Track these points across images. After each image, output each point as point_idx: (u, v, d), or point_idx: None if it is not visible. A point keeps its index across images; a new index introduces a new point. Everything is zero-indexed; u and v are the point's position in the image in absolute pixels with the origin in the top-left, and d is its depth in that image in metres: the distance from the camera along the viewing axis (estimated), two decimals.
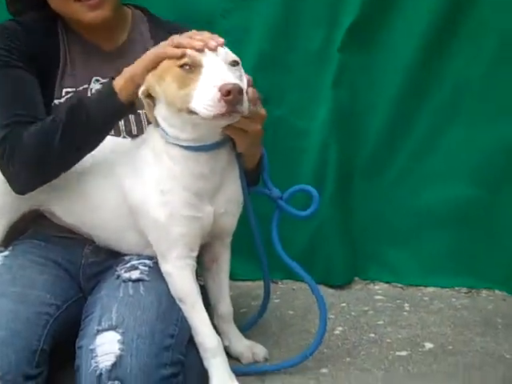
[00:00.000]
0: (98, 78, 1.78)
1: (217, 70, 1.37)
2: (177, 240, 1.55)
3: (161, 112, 1.49)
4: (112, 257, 1.70)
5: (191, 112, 1.38)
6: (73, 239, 1.74)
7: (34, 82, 1.67)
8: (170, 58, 1.44)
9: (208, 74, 1.36)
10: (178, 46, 1.44)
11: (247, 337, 1.85)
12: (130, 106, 1.53)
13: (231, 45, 2.25)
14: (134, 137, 1.73)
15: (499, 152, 2.18)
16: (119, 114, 1.55)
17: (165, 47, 1.47)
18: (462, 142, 2.22)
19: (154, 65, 1.47)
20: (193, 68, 1.38)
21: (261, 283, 2.28)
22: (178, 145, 1.50)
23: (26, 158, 1.54)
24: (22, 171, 1.56)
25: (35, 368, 1.42)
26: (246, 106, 1.36)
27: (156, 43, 1.75)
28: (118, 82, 1.50)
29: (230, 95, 1.30)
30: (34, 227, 1.80)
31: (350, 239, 2.39)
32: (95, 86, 1.77)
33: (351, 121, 2.29)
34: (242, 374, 1.66)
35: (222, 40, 1.46)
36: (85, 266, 1.74)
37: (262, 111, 1.54)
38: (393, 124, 2.27)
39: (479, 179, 2.22)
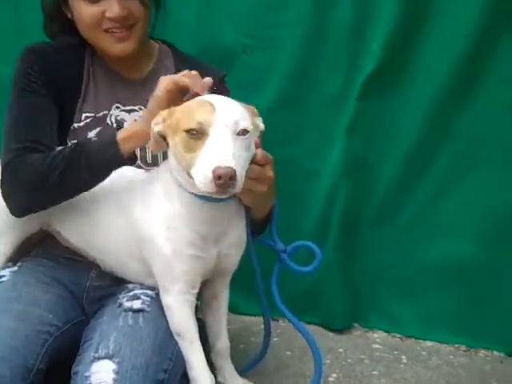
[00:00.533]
0: (118, 105, 1.83)
1: (219, 145, 1.35)
2: (179, 276, 1.57)
3: (171, 159, 1.52)
4: (116, 283, 1.72)
5: (191, 177, 1.40)
6: (80, 262, 1.77)
7: (50, 108, 1.73)
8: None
9: (209, 148, 1.35)
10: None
11: (245, 374, 1.86)
12: (130, 158, 1.58)
13: (253, 81, 2.33)
14: (148, 165, 1.77)
15: (505, 211, 2.17)
16: (117, 164, 1.59)
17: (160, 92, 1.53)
18: (470, 198, 2.22)
19: (162, 107, 1.51)
20: (199, 135, 1.37)
21: (260, 319, 2.32)
22: (188, 192, 1.52)
23: (24, 185, 1.60)
24: (18, 197, 1.63)
25: None
26: (238, 186, 1.34)
27: None
28: (122, 135, 1.56)
29: (221, 180, 1.30)
30: (43, 246, 1.83)
31: (352, 285, 2.40)
32: (115, 113, 1.82)
33: (362, 167, 2.31)
34: None
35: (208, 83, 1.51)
36: (89, 289, 1.76)
37: (270, 173, 1.54)
38: (403, 174, 2.29)
39: (483, 237, 2.21)
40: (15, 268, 1.74)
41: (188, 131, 1.38)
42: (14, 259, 1.78)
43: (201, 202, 1.52)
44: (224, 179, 1.30)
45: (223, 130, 1.37)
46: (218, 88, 1.82)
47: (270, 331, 1.88)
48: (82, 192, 1.62)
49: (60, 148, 1.64)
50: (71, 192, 1.63)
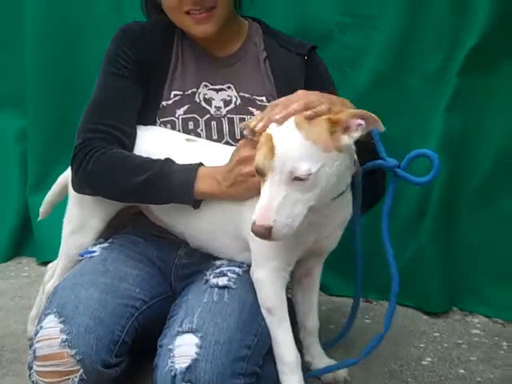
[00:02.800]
0: (206, 83, 1.82)
1: (266, 196, 1.36)
2: (278, 252, 1.55)
3: None
4: (204, 261, 1.73)
5: None
6: (169, 240, 1.79)
7: (134, 93, 1.76)
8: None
9: (261, 194, 1.38)
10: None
11: (332, 355, 1.83)
12: (198, 202, 1.62)
13: (348, 60, 2.27)
14: (237, 140, 1.76)
15: None
16: (185, 202, 1.63)
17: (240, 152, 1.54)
18: None
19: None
20: (262, 175, 1.39)
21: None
22: None
23: (91, 179, 1.68)
24: (81, 183, 1.71)
25: (115, 357, 1.47)
26: (283, 234, 1.37)
27: (269, 55, 1.85)
28: (202, 177, 1.59)
29: (256, 232, 1.36)
30: (133, 224, 1.87)
31: (451, 267, 2.29)
32: (203, 91, 1.81)
33: (462, 147, 2.21)
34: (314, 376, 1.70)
35: None
36: (177, 266, 1.78)
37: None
38: (505, 155, 2.17)
39: None
40: (106, 244, 1.78)
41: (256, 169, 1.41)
42: (105, 236, 1.83)
43: None
44: (257, 236, 1.36)
45: (277, 178, 1.36)
46: (308, 57, 1.84)
47: (357, 306, 1.85)
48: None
49: (142, 160, 1.66)
50: (127, 201, 1.74)
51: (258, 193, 1.45)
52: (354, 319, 1.86)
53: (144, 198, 1.69)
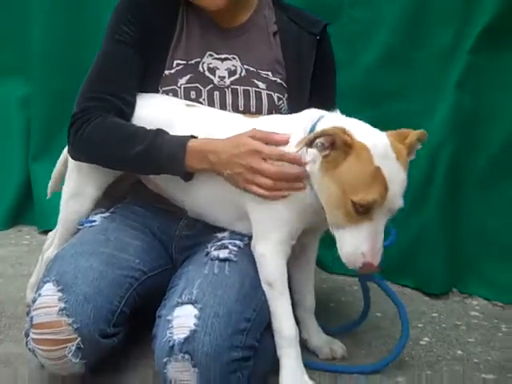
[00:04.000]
0: (211, 52, 1.79)
1: (377, 234, 1.37)
2: (283, 224, 1.54)
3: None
4: (206, 233, 1.71)
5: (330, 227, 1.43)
6: (170, 211, 1.78)
7: (136, 61, 1.74)
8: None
9: (368, 230, 1.36)
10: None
11: (331, 333, 1.83)
12: (190, 175, 1.59)
13: (358, 35, 2.24)
14: (240, 112, 1.74)
15: None
16: (177, 174, 1.60)
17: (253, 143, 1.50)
18: None
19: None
20: (364, 212, 1.35)
21: (352, 279, 2.27)
22: None
23: (88, 147, 1.67)
24: (78, 151, 1.71)
25: (113, 327, 1.48)
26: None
27: (280, 29, 1.81)
28: (193, 153, 1.55)
29: (363, 269, 1.38)
30: (135, 194, 1.86)
31: (453, 248, 2.28)
32: (208, 61, 1.78)
33: (471, 125, 2.19)
34: (314, 368, 1.65)
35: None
36: (178, 238, 1.77)
37: None
38: None
39: None
40: (107, 214, 1.77)
41: (356, 204, 1.34)
42: (106, 206, 1.82)
43: None
44: (366, 270, 1.38)
45: (385, 216, 1.38)
46: (320, 37, 1.80)
47: (369, 302, 1.88)
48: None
49: (136, 130, 1.64)
50: (122, 169, 1.72)
51: (240, 187, 1.51)
52: (367, 311, 1.89)
53: (136, 169, 1.69)
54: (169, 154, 1.57)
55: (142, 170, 1.69)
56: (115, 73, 1.72)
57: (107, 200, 1.82)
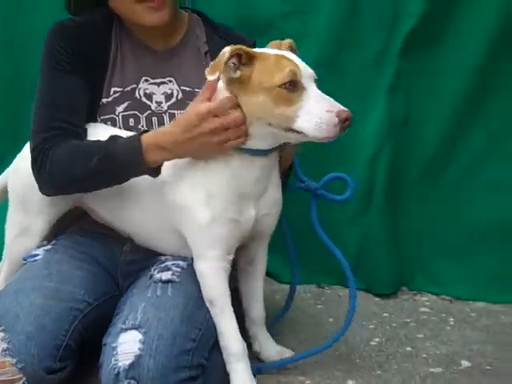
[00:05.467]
0: (147, 77, 1.80)
1: (320, 93, 1.43)
2: (216, 242, 1.56)
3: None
4: (150, 256, 1.73)
5: (291, 130, 1.43)
6: (114, 237, 1.78)
7: (79, 86, 1.71)
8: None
9: (314, 96, 1.42)
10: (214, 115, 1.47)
11: (283, 340, 1.86)
12: (156, 169, 1.55)
13: None
14: None
15: None
16: (143, 174, 1.57)
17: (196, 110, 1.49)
18: None
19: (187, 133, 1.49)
20: (294, 88, 1.41)
21: (305, 287, 2.30)
22: (240, 148, 1.51)
23: (54, 177, 1.63)
24: (47, 184, 1.66)
25: (59, 362, 1.47)
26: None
27: (210, 48, 1.82)
28: (150, 140, 1.53)
29: (347, 122, 1.38)
30: (77, 224, 1.85)
31: (398, 247, 2.34)
32: (144, 86, 1.79)
33: (405, 129, 2.25)
34: (266, 369, 1.71)
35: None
36: (123, 263, 1.77)
37: None
38: (448, 133, 2.22)
39: None
40: (49, 246, 1.76)
41: (284, 85, 1.40)
42: (48, 238, 1.81)
43: (249, 158, 1.52)
44: (349, 121, 1.38)
45: (310, 81, 1.44)
46: None
47: (295, 285, 1.99)
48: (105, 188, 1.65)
49: (91, 143, 1.63)
50: (93, 188, 1.66)
51: (216, 151, 1.50)
52: (292, 298, 1.99)
53: (103, 182, 1.62)
54: (125, 155, 1.54)
55: (109, 181, 1.61)
56: (66, 101, 1.69)
57: (49, 232, 1.81)
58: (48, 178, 1.64)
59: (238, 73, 1.44)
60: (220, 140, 1.48)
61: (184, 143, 1.50)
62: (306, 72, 1.44)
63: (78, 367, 1.58)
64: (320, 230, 1.77)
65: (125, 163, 1.55)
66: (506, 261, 2.22)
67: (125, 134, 1.66)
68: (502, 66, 2.12)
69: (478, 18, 2.10)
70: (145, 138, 1.54)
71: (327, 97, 1.43)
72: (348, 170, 2.24)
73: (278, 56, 1.46)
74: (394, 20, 2.18)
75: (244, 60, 1.44)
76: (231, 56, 1.42)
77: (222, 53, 1.43)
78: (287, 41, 1.56)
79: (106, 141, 1.59)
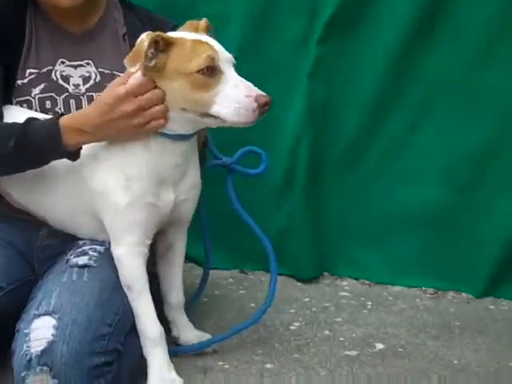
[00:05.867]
0: (63, 60, 1.76)
1: (239, 78, 1.42)
2: (134, 226, 1.55)
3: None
4: (67, 241, 1.70)
5: (208, 115, 1.42)
6: (30, 222, 1.74)
7: None
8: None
9: (232, 81, 1.41)
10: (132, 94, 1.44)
11: (204, 325, 1.87)
12: (73, 154, 1.51)
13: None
14: None
15: (470, 155, 2.17)
16: (62, 157, 1.52)
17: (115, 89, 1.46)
18: (435, 142, 2.21)
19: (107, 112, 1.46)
20: (212, 73, 1.40)
21: (229, 272, 2.31)
22: (160, 133, 1.49)
23: None
24: None
25: None
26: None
27: (128, 30, 1.79)
28: (68, 122, 1.48)
29: (266, 107, 1.38)
30: None
31: (320, 234, 2.38)
32: (60, 68, 1.75)
33: (326, 114, 2.28)
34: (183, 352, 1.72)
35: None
36: (39, 248, 1.74)
37: None
38: (367, 120, 2.26)
39: (448, 181, 2.21)
40: None
41: (201, 71, 1.39)
42: None
43: (171, 143, 1.50)
44: (268, 105, 1.38)
45: (229, 66, 1.44)
46: None
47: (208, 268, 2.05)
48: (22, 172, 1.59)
49: (6, 125, 1.57)
50: (11, 172, 1.61)
51: (136, 134, 1.48)
52: (207, 276, 2.05)
53: (20, 165, 1.57)
54: (42, 138, 1.49)
55: (25, 164, 1.56)
56: None
57: None
58: None
59: (153, 62, 1.41)
60: (139, 122, 1.46)
61: (103, 126, 1.47)
62: (224, 56, 1.43)
63: None
64: (239, 206, 1.81)
65: (42, 147, 1.50)
66: (421, 247, 2.29)
67: (41, 116, 1.62)
68: (416, 51, 2.17)
69: (395, 3, 2.15)
70: (63, 120, 1.50)
71: (246, 81, 1.42)
72: (269, 153, 2.31)
73: (195, 41, 1.44)
74: (313, 5, 2.20)
75: (161, 47, 1.41)
76: (150, 45, 1.39)
77: (139, 41, 1.41)
78: (203, 21, 1.55)
79: (22, 123, 1.53)
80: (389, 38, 2.17)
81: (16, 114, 1.64)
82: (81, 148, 1.52)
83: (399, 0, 2.13)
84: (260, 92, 1.40)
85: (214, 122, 1.45)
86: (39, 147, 1.51)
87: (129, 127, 1.47)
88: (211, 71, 1.40)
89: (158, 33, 1.41)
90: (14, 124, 1.55)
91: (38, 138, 1.50)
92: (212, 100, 1.40)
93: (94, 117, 1.47)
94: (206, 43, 1.44)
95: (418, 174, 2.25)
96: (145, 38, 1.39)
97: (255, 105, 1.38)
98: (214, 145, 1.78)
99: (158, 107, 1.46)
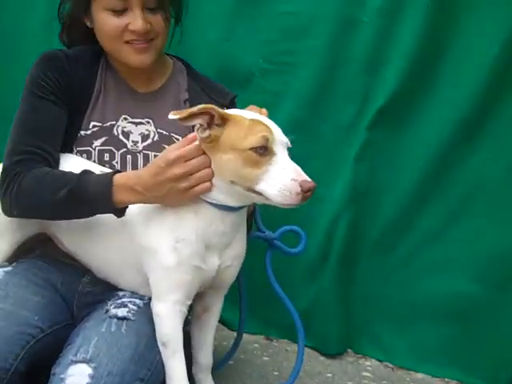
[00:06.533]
0: (126, 116, 1.86)
1: (289, 161, 1.48)
2: (178, 286, 1.59)
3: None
4: (108, 290, 1.75)
5: (254, 191, 1.48)
6: (75, 266, 1.80)
7: (58, 116, 1.76)
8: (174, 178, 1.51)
9: (282, 163, 1.46)
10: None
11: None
12: (122, 210, 1.60)
13: (266, 104, 2.36)
14: None
15: (504, 254, 2.18)
16: (108, 212, 1.60)
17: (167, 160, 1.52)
18: (472, 238, 2.23)
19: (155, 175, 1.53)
20: (265, 152, 1.46)
21: (254, 337, 2.34)
22: (210, 202, 1.56)
23: (19, 200, 1.65)
24: (11, 206, 1.68)
25: None
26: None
27: (190, 97, 1.89)
28: (122, 180, 1.57)
29: (309, 193, 1.42)
30: (41, 248, 1.87)
31: (348, 311, 2.40)
32: (122, 124, 1.85)
33: (367, 197, 2.33)
34: None
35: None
36: (80, 294, 1.79)
37: None
38: (406, 208, 2.30)
39: (480, 276, 2.22)
40: (9, 268, 1.77)
41: (254, 149, 1.45)
42: (10, 260, 1.82)
43: (220, 213, 1.57)
44: (312, 192, 1.42)
45: (282, 148, 1.49)
46: (228, 108, 1.87)
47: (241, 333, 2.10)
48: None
49: (63, 173, 1.66)
50: (56, 218, 1.70)
51: (183, 198, 1.53)
52: (239, 341, 2.11)
53: (68, 213, 1.65)
54: (95, 192, 1.57)
55: (73, 213, 1.64)
56: (42, 128, 1.73)
57: (12, 254, 1.82)
58: (13, 201, 1.66)
59: (206, 133, 1.49)
60: (186, 186, 1.52)
61: (153, 187, 1.54)
62: (280, 139, 1.49)
63: None
64: (273, 279, 1.87)
65: (93, 198, 1.58)
66: (446, 336, 2.29)
67: (97, 168, 1.72)
68: (461, 148, 2.21)
69: (442, 103, 2.21)
70: (117, 178, 1.58)
71: (296, 166, 1.47)
72: (308, 230, 2.34)
73: (254, 120, 1.51)
74: (366, 93, 2.27)
75: (217, 121, 1.49)
76: (199, 113, 1.47)
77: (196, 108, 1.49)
78: (264, 110, 1.65)
79: (78, 173, 1.62)
80: (434, 133, 2.23)
81: (73, 163, 1.74)
82: (127, 207, 1.60)
83: (447, 101, 2.20)
84: (306, 177, 1.44)
85: (259, 198, 1.49)
86: (90, 198, 1.58)
87: (176, 190, 1.53)
88: (264, 150, 1.45)
89: (211, 106, 1.49)
90: (70, 173, 1.63)
91: (90, 189, 1.58)
92: (260, 177, 1.45)
93: (145, 178, 1.55)
94: (264, 124, 1.50)
95: (452, 266, 2.26)
96: (197, 107, 1.48)
97: (299, 189, 1.42)
98: (259, 217, 1.86)
99: (204, 171, 1.52)
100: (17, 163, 1.67)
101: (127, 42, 1.77)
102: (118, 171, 1.61)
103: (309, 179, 1.43)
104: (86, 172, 1.62)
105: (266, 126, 1.50)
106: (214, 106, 1.49)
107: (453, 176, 2.23)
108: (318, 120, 2.34)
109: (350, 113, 2.30)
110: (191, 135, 1.53)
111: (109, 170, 1.75)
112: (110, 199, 1.56)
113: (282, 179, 1.44)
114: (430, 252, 2.29)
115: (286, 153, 1.50)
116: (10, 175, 1.66)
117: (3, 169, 1.69)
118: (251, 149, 1.45)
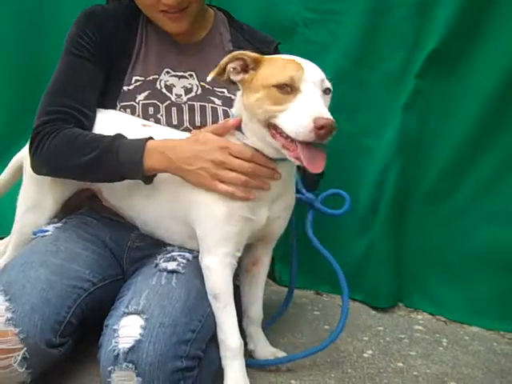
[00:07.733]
0: (168, 70, 1.85)
1: (314, 99, 1.44)
2: (228, 238, 1.59)
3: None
4: (156, 245, 1.76)
5: (273, 126, 1.47)
6: (123, 222, 1.81)
7: (95, 76, 1.77)
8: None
9: (304, 100, 1.43)
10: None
11: (279, 344, 1.89)
12: (150, 178, 1.62)
13: (311, 55, 2.30)
14: (196, 128, 1.76)
15: None
16: (136, 177, 1.62)
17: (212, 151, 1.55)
18: None
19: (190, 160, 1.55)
20: (290, 90, 1.44)
21: (304, 292, 2.32)
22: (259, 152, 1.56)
23: (48, 161, 1.69)
24: (40, 165, 1.71)
25: (59, 337, 1.49)
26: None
27: (234, 47, 1.86)
28: (150, 151, 1.58)
29: (323, 130, 1.37)
30: (89, 205, 1.88)
31: (399, 264, 2.35)
32: (165, 78, 1.83)
33: (417, 147, 2.26)
34: (260, 366, 1.75)
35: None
36: (130, 249, 1.81)
37: None
38: (458, 157, 2.22)
39: None
40: (59, 224, 1.79)
41: (279, 86, 1.44)
42: (60, 216, 1.84)
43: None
44: (326, 129, 1.37)
45: (313, 87, 1.45)
46: None
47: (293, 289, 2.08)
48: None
49: (93, 136, 1.67)
50: (84, 179, 1.74)
51: (206, 185, 1.54)
52: (291, 297, 2.09)
53: (96, 175, 1.68)
54: (126, 155, 1.59)
55: (103, 175, 1.66)
56: (75, 87, 1.74)
57: (62, 211, 1.84)
58: (43, 160, 1.70)
59: (240, 76, 1.52)
60: (216, 174, 1.54)
61: (187, 159, 1.56)
62: (312, 78, 1.46)
63: (77, 345, 1.61)
64: (314, 239, 1.82)
65: (123, 161, 1.60)
66: (502, 288, 2.21)
67: (138, 122, 1.76)
68: None
69: (496, 49, 2.12)
70: (150, 141, 1.60)
71: (319, 104, 1.43)
72: (357, 181, 2.32)
73: (289, 60, 1.50)
74: (415, 40, 2.19)
75: (251, 64, 1.51)
76: (229, 61, 1.51)
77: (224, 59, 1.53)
78: None
79: (111, 136, 1.64)
80: (489, 76, 2.13)
81: (115, 119, 1.75)
82: (155, 175, 1.61)
83: (500, 46, 2.10)
84: (322, 115, 1.39)
85: (279, 139, 1.48)
86: (121, 160, 1.60)
87: (206, 172, 1.55)
88: (288, 88, 1.44)
89: (242, 52, 1.53)
90: (101, 137, 1.65)
91: (122, 152, 1.60)
92: (280, 113, 1.44)
93: (185, 148, 1.57)
94: (297, 63, 1.48)
95: (506, 214, 2.18)
96: (233, 54, 1.52)
97: (312, 125, 1.38)
98: (299, 181, 1.82)
99: (236, 174, 1.53)
100: (47, 123, 1.69)
101: (160, 12, 1.76)
102: (151, 138, 1.62)
103: (325, 116, 1.39)
104: (118, 135, 1.64)
105: (298, 65, 1.47)
106: (243, 51, 1.52)
107: (505, 124, 2.14)
108: (365, 69, 2.27)
109: (398, 60, 2.23)
110: (232, 121, 1.56)
111: (151, 123, 1.76)
112: (140, 163, 1.57)
113: (298, 115, 1.41)
114: (484, 201, 2.21)
115: (316, 92, 1.46)
116: (40, 135, 1.68)
117: (34, 128, 1.71)
118: (275, 86, 1.45)
